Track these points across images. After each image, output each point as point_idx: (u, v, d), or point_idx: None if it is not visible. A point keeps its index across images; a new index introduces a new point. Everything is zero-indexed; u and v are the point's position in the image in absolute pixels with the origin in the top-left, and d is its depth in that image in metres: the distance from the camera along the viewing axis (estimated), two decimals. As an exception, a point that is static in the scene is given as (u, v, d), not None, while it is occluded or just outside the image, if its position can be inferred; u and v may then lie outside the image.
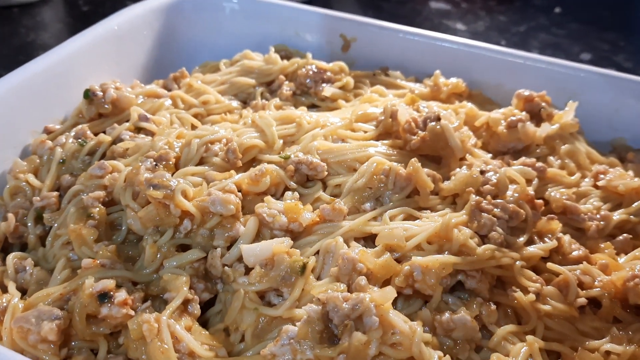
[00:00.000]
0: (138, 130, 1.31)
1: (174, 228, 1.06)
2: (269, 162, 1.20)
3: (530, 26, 2.53)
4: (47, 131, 1.36)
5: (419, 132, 1.24)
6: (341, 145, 1.24)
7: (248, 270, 1.02)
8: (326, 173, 1.19)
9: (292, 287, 0.97)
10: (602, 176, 1.30)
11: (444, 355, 0.91)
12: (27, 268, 1.08)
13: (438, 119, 1.25)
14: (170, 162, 1.17)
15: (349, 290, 0.96)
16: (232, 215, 1.06)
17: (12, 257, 1.11)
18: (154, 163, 1.15)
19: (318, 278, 1.02)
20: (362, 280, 0.96)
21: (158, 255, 1.04)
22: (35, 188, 1.22)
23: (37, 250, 1.15)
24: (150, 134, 1.29)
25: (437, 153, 1.26)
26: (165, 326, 0.91)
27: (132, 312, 0.95)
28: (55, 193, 1.19)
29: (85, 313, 0.95)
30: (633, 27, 2.45)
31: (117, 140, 1.27)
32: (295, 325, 0.91)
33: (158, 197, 1.04)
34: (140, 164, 1.14)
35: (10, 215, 1.17)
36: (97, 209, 1.11)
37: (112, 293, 0.96)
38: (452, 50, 1.59)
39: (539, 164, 1.26)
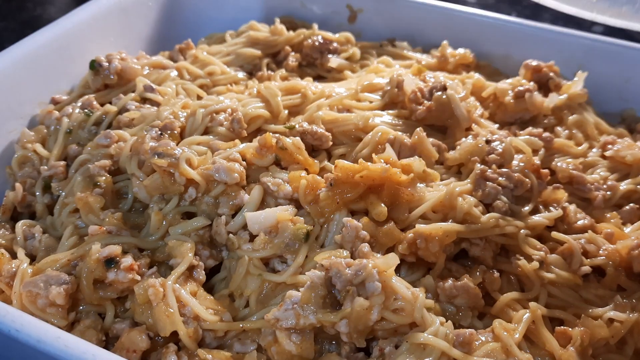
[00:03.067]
0: (144, 100, 1.31)
1: (179, 196, 1.07)
2: (274, 132, 1.20)
3: (542, -2, 2.48)
4: (54, 102, 1.37)
5: (425, 102, 1.23)
6: (346, 115, 1.23)
7: (252, 237, 1.03)
8: (331, 143, 1.19)
9: (295, 254, 0.98)
10: (610, 146, 1.29)
11: (446, 321, 0.92)
12: (36, 235, 1.10)
13: (444, 88, 1.24)
14: (176, 132, 1.17)
15: (352, 257, 0.96)
16: (236, 183, 1.06)
17: (20, 225, 1.12)
18: (159, 132, 1.15)
19: (322, 246, 1.03)
20: (365, 247, 0.96)
21: (163, 223, 1.05)
22: (43, 157, 1.23)
23: (45, 218, 1.16)
24: (156, 104, 1.29)
25: (443, 123, 1.25)
26: (170, 291, 0.93)
27: (138, 277, 0.97)
28: (63, 162, 1.20)
29: (93, 278, 0.96)
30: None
31: (123, 110, 1.27)
32: (299, 291, 0.92)
33: (163, 165, 1.05)
34: (145, 133, 1.14)
35: (18, 185, 1.18)
36: (104, 177, 1.12)
37: (118, 259, 0.97)
38: (460, 21, 1.57)
39: (546, 134, 1.25)
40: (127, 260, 0.97)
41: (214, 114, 1.22)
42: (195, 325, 0.94)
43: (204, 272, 1.01)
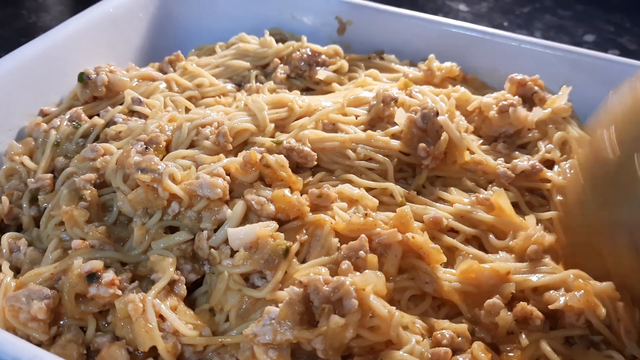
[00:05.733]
0: (132, 113, 1.32)
1: (162, 210, 1.08)
2: (261, 146, 1.21)
3: (535, 7, 2.49)
4: (43, 114, 1.38)
5: (427, 146, 1.20)
6: (333, 135, 1.24)
7: (234, 252, 1.04)
8: (315, 163, 1.19)
9: (275, 270, 0.99)
10: (593, 161, 1.29)
11: (422, 340, 0.93)
12: (21, 248, 1.11)
13: (437, 114, 1.22)
14: (161, 145, 1.19)
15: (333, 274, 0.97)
16: (219, 198, 1.07)
17: (6, 237, 1.13)
18: (145, 146, 1.16)
19: (303, 261, 1.04)
20: (345, 264, 0.97)
21: (146, 237, 1.06)
22: (30, 170, 1.25)
23: (31, 231, 1.17)
24: (144, 117, 1.30)
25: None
26: (150, 306, 0.94)
27: (119, 292, 0.98)
28: (50, 175, 1.21)
29: (74, 292, 0.97)
30: (639, 10, 2.40)
31: (111, 123, 1.28)
32: (277, 307, 0.93)
33: (146, 180, 1.06)
34: (130, 147, 1.16)
35: (4, 198, 1.19)
36: (89, 190, 1.13)
37: (99, 273, 0.98)
38: (447, 34, 1.58)
39: (538, 165, 1.23)
40: (108, 275, 0.98)
41: (200, 128, 1.23)
42: (174, 340, 0.95)
43: (185, 286, 1.02)
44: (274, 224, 1.04)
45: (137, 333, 0.92)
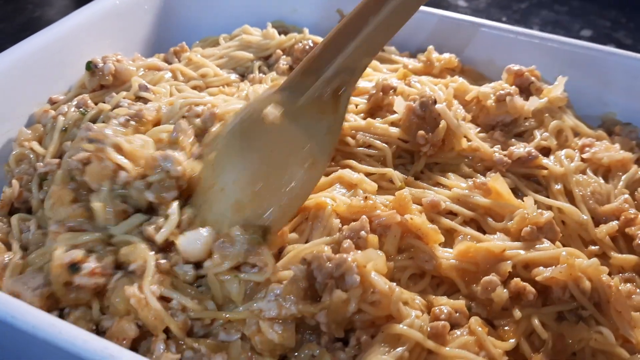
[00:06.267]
0: (137, 99, 1.36)
1: (110, 180, 1.06)
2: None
3: (532, 3, 2.53)
4: (51, 102, 1.41)
5: (425, 133, 1.23)
6: None
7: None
8: None
9: (261, 256, 0.98)
10: (587, 149, 1.33)
11: (421, 314, 0.97)
12: (31, 228, 1.14)
13: (434, 102, 1.25)
14: (145, 119, 1.20)
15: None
16: (177, 177, 1.05)
17: (15, 218, 1.16)
18: (128, 119, 1.18)
19: (306, 242, 1.07)
20: (346, 243, 1.01)
21: (107, 209, 1.05)
22: (39, 155, 1.28)
23: (39, 213, 1.20)
24: (149, 102, 1.34)
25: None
26: (151, 296, 0.94)
27: (102, 280, 0.97)
28: (57, 160, 1.24)
29: (61, 282, 0.97)
30: (635, 4, 2.44)
31: (116, 108, 1.32)
32: (281, 284, 0.97)
33: (89, 149, 1.07)
34: (113, 119, 1.17)
35: (15, 182, 1.22)
36: (80, 170, 1.12)
37: (80, 265, 0.97)
38: (446, 26, 1.61)
39: (533, 152, 1.27)
40: (89, 265, 0.97)
41: (193, 106, 1.25)
42: (184, 317, 0.97)
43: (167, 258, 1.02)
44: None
45: (146, 321, 0.94)
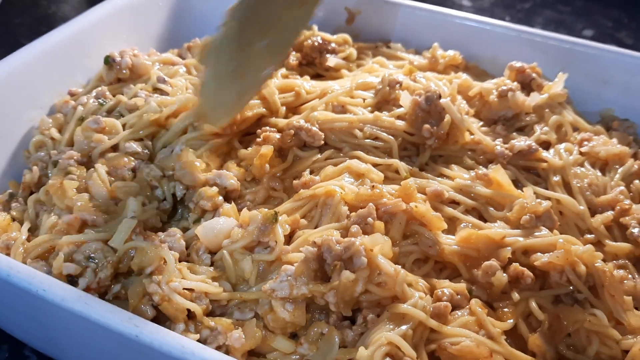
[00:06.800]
0: (154, 91, 1.41)
1: None
2: (274, 126, 1.31)
3: (536, 3, 2.58)
4: (71, 94, 1.47)
5: (431, 127, 1.28)
6: (342, 116, 1.33)
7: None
8: (322, 142, 1.29)
9: (272, 234, 1.06)
10: (586, 143, 1.38)
11: (425, 295, 1.02)
12: (40, 214, 1.20)
13: (439, 97, 1.30)
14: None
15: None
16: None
17: (32, 199, 1.23)
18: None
19: (316, 227, 1.13)
20: (354, 227, 1.06)
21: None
22: (57, 142, 1.34)
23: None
24: (165, 94, 1.39)
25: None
26: (172, 294, 1.00)
27: (97, 295, 1.00)
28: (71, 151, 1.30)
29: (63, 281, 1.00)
30: (637, 5, 2.49)
31: (134, 97, 1.38)
32: (293, 266, 1.03)
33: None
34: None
35: (35, 168, 1.28)
36: (74, 167, 1.21)
37: (76, 279, 1.01)
38: (451, 24, 1.67)
39: (534, 146, 1.32)
40: (84, 281, 1.00)
41: None
42: (207, 301, 1.03)
43: (182, 243, 1.11)
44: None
45: (168, 312, 1.00)
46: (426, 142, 1.30)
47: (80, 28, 1.54)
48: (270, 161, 1.24)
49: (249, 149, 1.26)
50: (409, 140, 1.33)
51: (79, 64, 1.52)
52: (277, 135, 1.27)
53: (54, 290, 0.87)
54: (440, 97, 1.30)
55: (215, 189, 1.16)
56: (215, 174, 1.19)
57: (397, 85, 1.39)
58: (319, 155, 1.28)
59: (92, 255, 1.04)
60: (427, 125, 1.29)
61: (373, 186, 1.15)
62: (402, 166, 1.26)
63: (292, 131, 1.27)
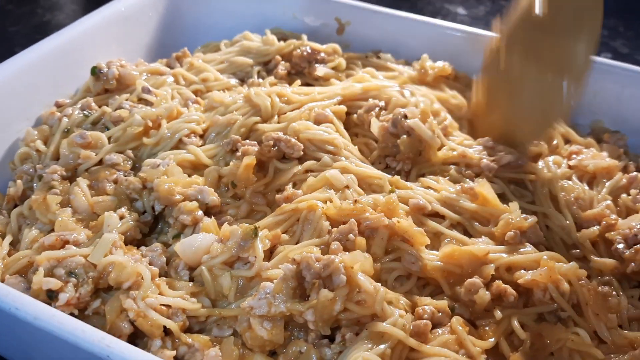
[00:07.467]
0: (139, 101, 1.41)
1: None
2: (262, 133, 1.32)
3: (532, 11, 2.56)
4: (58, 105, 1.47)
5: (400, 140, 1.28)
6: (320, 128, 1.32)
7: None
8: (301, 153, 1.28)
9: (252, 249, 1.05)
10: (574, 156, 1.37)
11: (405, 313, 1.01)
12: (22, 228, 1.19)
13: (405, 117, 1.30)
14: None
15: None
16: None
17: (15, 213, 1.22)
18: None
19: (297, 243, 1.12)
20: (335, 244, 1.05)
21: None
22: (42, 154, 1.33)
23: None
24: (150, 104, 1.39)
25: (419, 151, 1.31)
26: (147, 309, 0.98)
27: (76, 311, 0.99)
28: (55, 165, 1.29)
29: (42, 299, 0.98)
30: (634, 14, 2.47)
31: (118, 109, 1.37)
32: (272, 283, 1.01)
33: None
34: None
35: (19, 182, 1.28)
36: (57, 182, 1.21)
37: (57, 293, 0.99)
38: (440, 35, 1.66)
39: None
40: (64, 296, 0.98)
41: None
42: (184, 317, 1.02)
43: (163, 259, 1.10)
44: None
45: (144, 328, 0.99)
46: (396, 169, 1.30)
47: (69, 38, 1.53)
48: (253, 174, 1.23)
49: (231, 163, 1.24)
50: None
51: (69, 74, 1.52)
52: (256, 148, 1.26)
53: (27, 309, 0.86)
54: (406, 117, 1.29)
55: (195, 203, 1.15)
56: (196, 190, 1.18)
57: (376, 109, 1.38)
58: (299, 167, 1.27)
59: (74, 270, 1.03)
60: (389, 157, 1.30)
61: (356, 200, 1.14)
62: (387, 179, 1.24)
63: (272, 142, 1.26)
